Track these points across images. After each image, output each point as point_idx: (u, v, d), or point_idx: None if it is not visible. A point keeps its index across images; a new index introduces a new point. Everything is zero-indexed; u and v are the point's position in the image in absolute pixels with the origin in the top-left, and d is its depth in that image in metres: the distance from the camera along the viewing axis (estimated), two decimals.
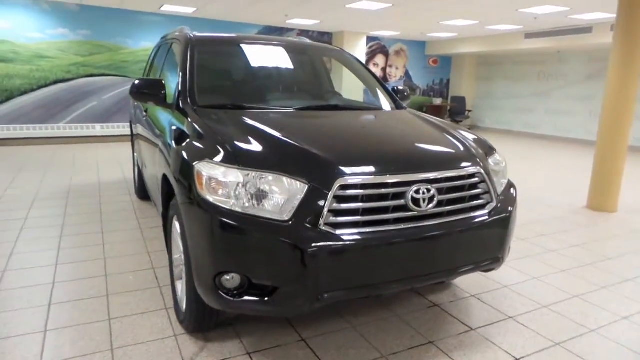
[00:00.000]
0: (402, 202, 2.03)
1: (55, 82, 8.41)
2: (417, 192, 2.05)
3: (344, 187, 1.93)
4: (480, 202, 2.31)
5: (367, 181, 1.96)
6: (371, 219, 1.97)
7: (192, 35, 3.25)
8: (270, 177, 1.93)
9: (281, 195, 1.91)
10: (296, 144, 2.11)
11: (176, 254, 2.55)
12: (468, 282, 3.19)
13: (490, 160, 2.51)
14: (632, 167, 8.08)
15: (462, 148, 2.42)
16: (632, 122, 5.04)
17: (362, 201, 1.97)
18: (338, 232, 1.90)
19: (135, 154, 4.88)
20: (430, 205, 2.08)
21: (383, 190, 1.99)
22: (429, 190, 2.08)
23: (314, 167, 1.97)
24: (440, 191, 2.14)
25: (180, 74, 2.90)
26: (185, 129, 2.45)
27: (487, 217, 2.28)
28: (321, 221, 1.88)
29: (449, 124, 2.87)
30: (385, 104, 3.37)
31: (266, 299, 1.92)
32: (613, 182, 5.14)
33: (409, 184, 2.04)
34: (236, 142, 2.11)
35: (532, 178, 7.03)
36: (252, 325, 2.54)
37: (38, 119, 8.34)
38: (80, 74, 8.59)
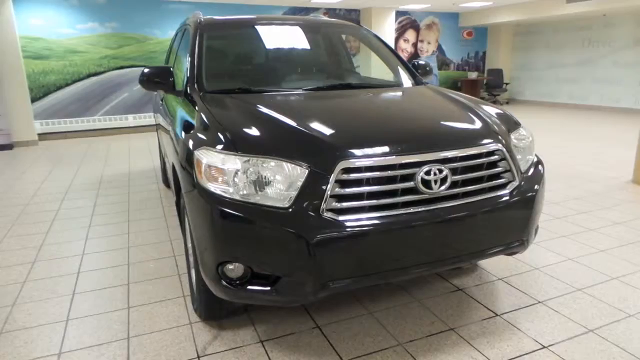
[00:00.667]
0: (411, 184, 1.90)
1: (88, 75, 8.63)
2: (427, 173, 1.91)
3: (347, 170, 1.83)
4: (500, 181, 2.14)
5: (371, 163, 1.84)
6: (377, 203, 1.85)
7: (201, 20, 3.19)
8: (269, 162, 1.85)
9: (281, 181, 1.83)
10: (297, 127, 2.01)
11: (189, 242, 2.54)
12: (495, 265, 3.03)
13: (513, 136, 2.32)
14: None
15: (480, 124, 2.25)
16: None
17: (367, 185, 1.86)
18: (341, 218, 1.80)
19: (159, 143, 4.93)
20: (443, 187, 1.94)
21: (389, 173, 1.87)
22: (440, 171, 1.93)
23: (314, 151, 1.87)
24: (454, 171, 1.99)
25: (189, 59, 2.86)
26: (190, 115, 2.40)
27: (508, 197, 2.11)
28: (323, 207, 1.79)
29: (472, 99, 2.68)
30: (405, 80, 3.20)
31: (269, 288, 1.86)
32: None
33: (419, 164, 1.91)
34: (237, 128, 2.04)
35: (575, 152, 6.62)
36: (267, 313, 2.50)
37: (74, 113, 8.61)
38: (111, 66, 8.77)
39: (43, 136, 8.33)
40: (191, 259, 2.54)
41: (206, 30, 3.05)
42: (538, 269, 2.98)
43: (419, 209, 1.91)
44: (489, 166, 2.12)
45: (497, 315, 2.46)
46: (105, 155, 7.01)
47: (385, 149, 1.90)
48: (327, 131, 1.98)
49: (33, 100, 8.15)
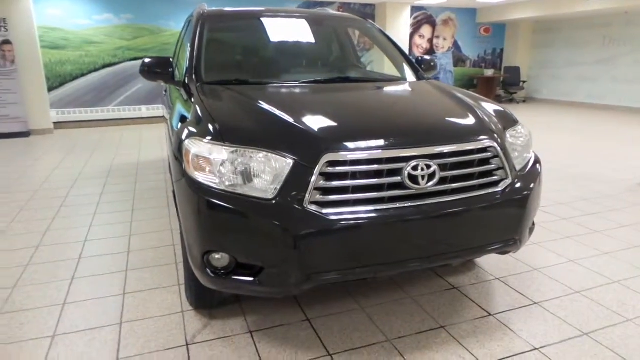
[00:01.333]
0: (398, 179, 1.88)
1: (104, 66, 8.75)
2: (414, 168, 1.89)
3: (332, 163, 1.82)
4: (493, 178, 2.11)
5: (356, 157, 1.83)
6: (362, 197, 1.84)
7: (204, 11, 3.20)
8: (255, 154, 1.85)
9: (266, 172, 1.83)
10: (285, 119, 2.01)
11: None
12: (494, 264, 2.99)
13: (509, 134, 2.28)
14: None
15: (474, 120, 2.21)
16: None
17: (352, 178, 1.85)
18: (325, 211, 1.79)
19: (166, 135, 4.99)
20: (431, 183, 1.92)
21: (376, 167, 1.85)
22: (428, 167, 1.91)
23: (300, 143, 1.87)
24: (443, 167, 1.96)
25: (189, 50, 2.87)
26: (186, 107, 2.42)
27: (500, 196, 2.08)
28: (307, 199, 1.79)
29: (471, 95, 2.64)
30: (408, 75, 3.17)
31: (253, 279, 1.87)
32: None
33: (406, 159, 1.89)
34: (226, 119, 2.05)
35: (587, 152, 6.48)
36: (258, 304, 2.52)
37: (89, 103, 8.75)
38: (125, 57, 8.88)
39: (58, 125, 8.49)
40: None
41: (208, 21, 3.06)
42: (537, 269, 2.93)
43: (406, 205, 1.89)
44: (481, 163, 2.08)
45: (490, 315, 2.43)
46: (117, 145, 7.12)
47: (372, 142, 1.88)
48: (315, 124, 1.97)
49: (50, 89, 8.31)
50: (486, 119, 2.26)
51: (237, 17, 3.26)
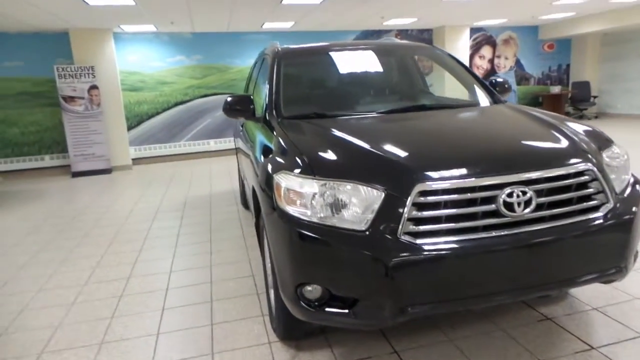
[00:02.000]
0: (492, 207, 1.83)
1: (176, 104, 9.35)
2: (509, 195, 1.84)
3: (424, 193, 1.81)
4: (592, 203, 2.00)
5: (449, 186, 1.81)
6: (456, 226, 1.81)
7: (279, 49, 3.35)
8: (345, 186, 1.88)
9: (358, 204, 1.85)
10: (372, 150, 2.03)
11: (268, 262, 2.63)
12: (589, 293, 2.79)
13: (605, 155, 2.17)
14: None
15: (566, 142, 2.12)
16: None
17: (445, 207, 1.82)
18: (419, 241, 1.78)
19: (238, 167, 5.18)
20: (527, 210, 1.85)
21: (469, 195, 1.82)
22: (524, 193, 1.85)
23: (390, 173, 1.88)
24: (539, 193, 1.89)
25: (267, 86, 3.01)
26: (269, 141, 2.52)
27: (602, 221, 1.96)
28: (400, 230, 1.78)
29: (556, 116, 2.55)
30: (483, 99, 3.12)
31: (347, 311, 1.87)
32: None
33: (500, 186, 1.84)
34: (313, 152, 2.10)
35: None
36: (344, 335, 2.50)
37: (162, 139, 9.34)
38: (195, 95, 9.44)
39: (136, 161, 9.10)
40: (269, 279, 2.63)
41: (283, 59, 3.20)
42: (639, 298, 2.71)
43: (502, 233, 1.83)
44: (579, 187, 1.99)
45: (592, 348, 2.27)
46: (189, 179, 7.49)
47: (464, 170, 1.86)
48: (403, 153, 1.98)
49: (129, 128, 8.97)
50: (580, 140, 2.16)
51: (310, 53, 3.39)
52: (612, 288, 2.84)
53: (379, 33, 10.60)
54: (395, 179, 1.85)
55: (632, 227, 2.02)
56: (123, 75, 8.87)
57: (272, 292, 2.59)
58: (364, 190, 1.85)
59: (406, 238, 1.78)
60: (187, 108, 9.44)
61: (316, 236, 1.86)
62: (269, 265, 2.64)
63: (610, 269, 2.02)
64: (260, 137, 2.74)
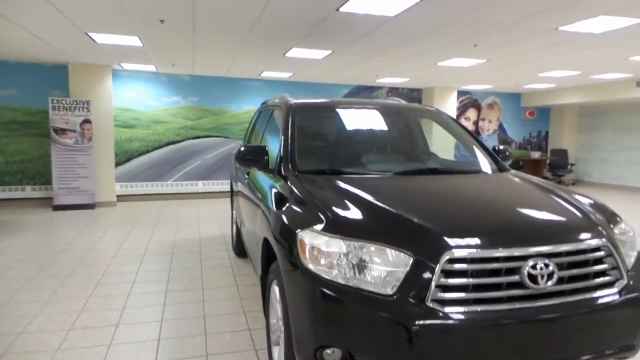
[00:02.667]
0: (516, 278, 1.86)
1: (167, 143, 9.32)
2: (533, 267, 1.87)
3: (452, 260, 1.82)
4: (607, 278, 2.04)
5: (477, 255, 1.84)
6: (482, 296, 1.82)
7: (292, 102, 3.42)
8: (373, 247, 1.88)
9: (385, 267, 1.85)
10: (400, 213, 2.06)
11: (273, 318, 2.56)
12: None
13: (616, 230, 2.24)
14: None
15: (584, 217, 2.20)
16: None
17: (472, 276, 1.84)
18: (446, 309, 1.77)
19: (234, 212, 5.13)
20: (550, 283, 1.88)
21: (495, 265, 1.85)
22: (547, 266, 1.89)
23: (420, 238, 1.90)
24: (559, 266, 1.93)
25: (282, 140, 3.04)
26: (287, 195, 2.52)
27: (617, 297, 2.00)
28: (428, 297, 1.78)
29: (561, 188, 2.65)
30: (486, 165, 3.22)
31: None
32: None
33: (525, 258, 1.88)
34: (338, 210, 2.12)
35: None
36: None
37: (150, 177, 9.22)
38: (188, 136, 9.45)
39: (121, 197, 8.92)
40: (274, 335, 2.55)
41: (298, 113, 3.25)
42: None
43: (525, 305, 1.85)
44: (595, 262, 2.04)
45: None
46: (176, 219, 7.35)
47: (492, 240, 1.89)
48: (430, 219, 2.01)
49: (117, 164, 8.85)
50: (594, 215, 2.24)
51: (323, 108, 3.47)
52: None
53: (371, 89, 10.96)
54: (425, 244, 1.86)
55: None
56: (117, 111, 8.86)
57: (277, 350, 2.50)
58: (392, 253, 1.85)
59: (434, 305, 1.78)
60: (178, 148, 9.42)
61: (341, 297, 1.84)
62: (273, 322, 2.57)
63: (622, 346, 2.04)
64: (275, 190, 2.74)
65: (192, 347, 3.02)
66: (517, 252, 1.87)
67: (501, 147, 3.53)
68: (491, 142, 12.40)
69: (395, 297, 1.80)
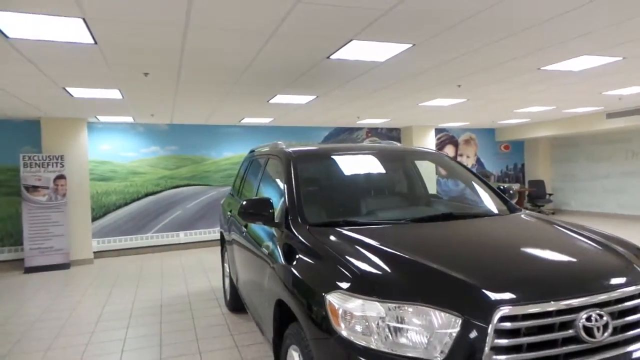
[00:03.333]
0: (571, 332, 1.72)
1: (146, 195, 9.00)
2: (588, 319, 1.74)
3: (504, 318, 1.67)
4: None
5: (530, 310, 1.69)
6: (539, 355, 1.66)
7: (292, 152, 3.29)
8: (416, 309, 1.72)
9: (430, 330, 1.68)
10: (436, 267, 1.91)
11: None
12: None
13: None
14: None
15: (622, 259, 2.10)
16: None
17: (525, 334, 1.69)
18: None
19: (227, 265, 4.85)
20: (606, 334, 1.75)
21: (548, 320, 1.70)
22: (601, 316, 1.76)
23: (465, 296, 1.74)
24: (612, 315, 1.81)
25: (286, 191, 2.88)
26: (302, 252, 2.34)
27: None
28: None
29: (582, 227, 2.57)
30: (496, 206, 3.12)
31: None
32: None
33: (578, 310, 1.75)
34: (366, 267, 1.95)
35: None
36: None
37: (129, 231, 8.82)
38: (167, 185, 9.17)
39: (98, 254, 8.46)
40: None
41: (299, 162, 3.12)
42: None
43: None
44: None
45: None
46: (159, 274, 6.97)
47: (542, 293, 1.76)
48: (471, 272, 1.86)
49: (93, 219, 8.44)
50: (629, 255, 2.15)
51: (326, 156, 3.33)
52: None
53: (350, 130, 11.03)
54: (473, 302, 1.71)
55: None
56: (93, 164, 8.55)
57: None
58: (438, 315, 1.69)
59: None
60: (157, 199, 9.11)
61: None
62: None
63: None
64: (286, 246, 2.55)
65: None
66: (571, 304, 1.73)
67: (504, 186, 3.48)
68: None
69: None
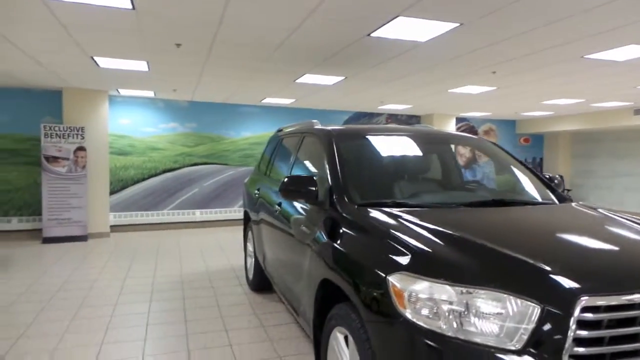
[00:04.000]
0: None
1: (164, 171, 8.96)
2: None
3: (586, 309, 1.57)
4: None
5: (614, 301, 1.59)
6: (620, 349, 1.57)
7: (332, 130, 3.19)
8: (489, 294, 1.62)
9: (505, 318, 1.59)
10: (508, 253, 1.81)
11: None
12: None
13: None
14: None
15: None
16: None
17: (607, 326, 1.59)
18: None
19: (252, 244, 4.78)
20: None
21: (632, 312, 1.60)
22: None
23: (543, 283, 1.64)
24: None
25: (329, 170, 2.78)
26: (356, 231, 2.25)
27: None
28: (564, 353, 1.52)
29: (630, 217, 2.46)
30: (546, 195, 3.00)
31: None
32: None
33: None
34: (431, 250, 1.86)
35: None
36: None
37: (146, 206, 8.80)
38: (185, 163, 9.12)
39: (114, 228, 8.45)
40: None
41: (341, 141, 3.02)
42: None
43: None
44: None
45: None
46: (177, 251, 6.94)
47: (625, 283, 1.66)
48: (549, 260, 1.75)
49: (110, 193, 8.41)
50: None
51: (367, 135, 3.22)
52: None
53: (370, 115, 10.87)
54: (553, 290, 1.61)
55: None
56: (112, 138, 8.49)
57: None
58: (514, 302, 1.59)
59: None
60: (175, 176, 9.06)
61: (453, 353, 1.56)
62: None
63: None
64: (332, 226, 2.45)
65: None
66: None
67: (549, 175, 3.37)
68: (488, 169, 12.39)
69: (523, 353, 1.53)
